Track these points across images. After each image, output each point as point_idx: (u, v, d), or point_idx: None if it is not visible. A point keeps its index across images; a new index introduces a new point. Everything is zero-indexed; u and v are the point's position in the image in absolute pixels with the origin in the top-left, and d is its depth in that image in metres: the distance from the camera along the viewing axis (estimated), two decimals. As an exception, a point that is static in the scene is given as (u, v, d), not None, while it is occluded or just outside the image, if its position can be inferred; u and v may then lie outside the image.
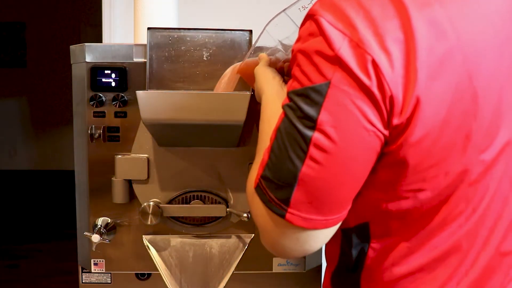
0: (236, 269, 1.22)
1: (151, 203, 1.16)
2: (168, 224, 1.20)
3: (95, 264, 1.21)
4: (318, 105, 0.65)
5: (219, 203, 1.19)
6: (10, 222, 4.47)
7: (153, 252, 1.21)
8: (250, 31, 1.14)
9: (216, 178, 1.19)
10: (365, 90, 0.63)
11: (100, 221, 1.19)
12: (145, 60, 1.13)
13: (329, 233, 0.75)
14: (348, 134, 0.65)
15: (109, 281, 1.23)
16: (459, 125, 0.68)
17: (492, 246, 0.78)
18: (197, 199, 1.19)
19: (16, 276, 3.42)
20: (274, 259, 1.23)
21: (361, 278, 0.82)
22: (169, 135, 1.14)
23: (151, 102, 1.07)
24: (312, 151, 0.66)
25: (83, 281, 1.23)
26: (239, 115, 1.07)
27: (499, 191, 0.76)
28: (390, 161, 0.69)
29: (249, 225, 1.21)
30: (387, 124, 0.65)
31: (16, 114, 6.21)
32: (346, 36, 0.64)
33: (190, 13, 1.64)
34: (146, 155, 1.17)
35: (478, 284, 0.78)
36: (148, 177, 1.18)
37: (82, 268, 1.23)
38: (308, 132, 0.66)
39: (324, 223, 0.72)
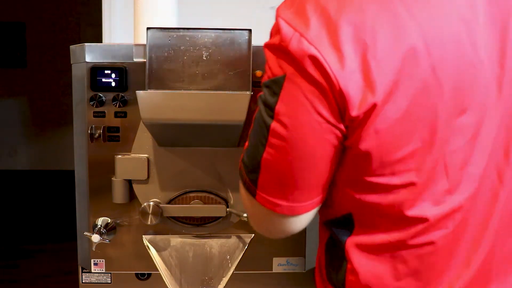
0: (236, 269, 1.22)
1: (151, 203, 1.16)
2: (168, 224, 1.20)
3: (95, 264, 1.21)
4: (276, 96, 0.69)
5: (219, 203, 1.19)
6: (10, 222, 4.46)
7: (153, 252, 1.21)
8: (250, 31, 1.14)
9: (216, 178, 1.19)
10: (315, 84, 0.66)
11: (100, 221, 1.18)
12: (145, 60, 1.13)
13: (303, 219, 0.78)
14: (300, 125, 0.69)
15: (109, 281, 1.23)
16: (424, 119, 0.68)
17: (485, 245, 0.77)
18: (197, 199, 1.19)
19: (16, 276, 3.42)
20: (274, 259, 1.23)
21: (346, 269, 0.81)
22: (169, 135, 1.14)
23: (151, 102, 1.07)
24: (271, 139, 0.71)
25: (83, 281, 1.23)
26: (239, 115, 1.07)
27: (485, 188, 0.75)
28: (354, 154, 0.71)
29: (249, 225, 1.21)
30: (341, 117, 0.67)
31: (16, 114, 6.20)
32: (296, 32, 0.67)
33: (190, 13, 1.64)
34: (146, 155, 1.17)
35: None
36: (148, 177, 1.18)
37: (82, 268, 1.23)
38: (268, 121, 0.71)
39: (291, 209, 0.75)
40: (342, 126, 0.68)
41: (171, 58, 1.14)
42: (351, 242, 0.79)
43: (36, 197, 5.26)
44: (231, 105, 1.07)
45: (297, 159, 0.71)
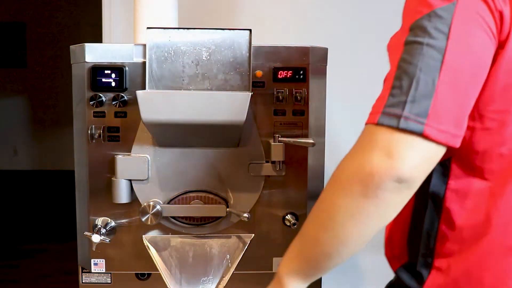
0: (236, 269, 1.22)
1: (151, 203, 1.16)
2: (168, 224, 1.20)
3: (95, 264, 1.21)
4: (448, 20, 0.76)
5: (219, 203, 1.19)
6: (10, 222, 4.47)
7: (153, 252, 1.21)
8: (250, 30, 1.14)
9: (216, 178, 1.19)
10: (485, 3, 0.77)
11: (100, 221, 1.18)
12: (145, 60, 1.13)
13: (432, 155, 0.76)
14: (476, 37, 0.77)
15: (109, 281, 1.23)
16: None
17: None
18: (197, 199, 1.19)
19: (16, 276, 3.42)
20: (274, 259, 1.23)
21: (440, 220, 0.83)
22: (169, 135, 1.14)
23: (151, 102, 1.07)
24: (447, 57, 0.75)
25: (83, 281, 1.23)
26: (239, 115, 1.07)
27: None
28: (488, 78, 0.78)
29: (249, 225, 1.21)
30: (497, 35, 0.78)
31: (17, 114, 6.20)
32: None
33: (190, 13, 1.64)
34: (146, 155, 1.17)
35: None
36: (148, 177, 1.18)
37: (82, 268, 1.23)
38: (441, 43, 0.76)
39: (450, 137, 0.74)
40: (497, 43, 0.78)
41: (171, 58, 1.14)
42: (449, 189, 0.82)
43: (36, 197, 5.26)
44: (231, 105, 1.07)
45: (471, 70, 0.76)
